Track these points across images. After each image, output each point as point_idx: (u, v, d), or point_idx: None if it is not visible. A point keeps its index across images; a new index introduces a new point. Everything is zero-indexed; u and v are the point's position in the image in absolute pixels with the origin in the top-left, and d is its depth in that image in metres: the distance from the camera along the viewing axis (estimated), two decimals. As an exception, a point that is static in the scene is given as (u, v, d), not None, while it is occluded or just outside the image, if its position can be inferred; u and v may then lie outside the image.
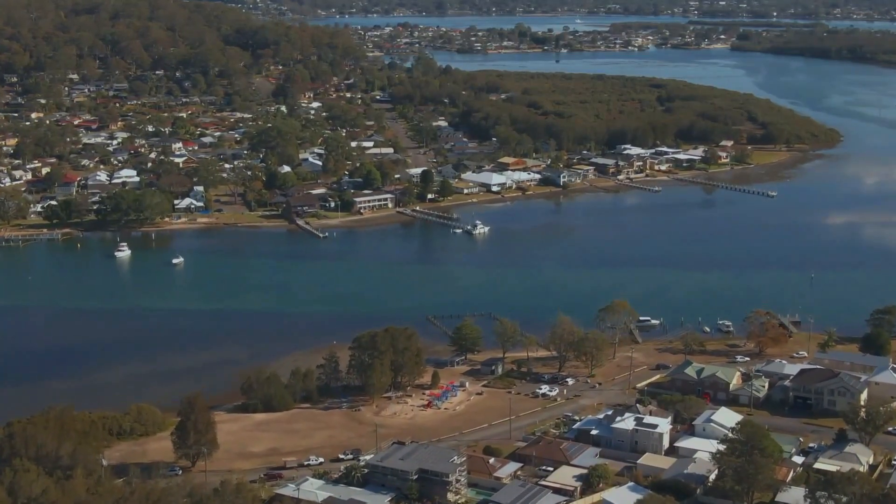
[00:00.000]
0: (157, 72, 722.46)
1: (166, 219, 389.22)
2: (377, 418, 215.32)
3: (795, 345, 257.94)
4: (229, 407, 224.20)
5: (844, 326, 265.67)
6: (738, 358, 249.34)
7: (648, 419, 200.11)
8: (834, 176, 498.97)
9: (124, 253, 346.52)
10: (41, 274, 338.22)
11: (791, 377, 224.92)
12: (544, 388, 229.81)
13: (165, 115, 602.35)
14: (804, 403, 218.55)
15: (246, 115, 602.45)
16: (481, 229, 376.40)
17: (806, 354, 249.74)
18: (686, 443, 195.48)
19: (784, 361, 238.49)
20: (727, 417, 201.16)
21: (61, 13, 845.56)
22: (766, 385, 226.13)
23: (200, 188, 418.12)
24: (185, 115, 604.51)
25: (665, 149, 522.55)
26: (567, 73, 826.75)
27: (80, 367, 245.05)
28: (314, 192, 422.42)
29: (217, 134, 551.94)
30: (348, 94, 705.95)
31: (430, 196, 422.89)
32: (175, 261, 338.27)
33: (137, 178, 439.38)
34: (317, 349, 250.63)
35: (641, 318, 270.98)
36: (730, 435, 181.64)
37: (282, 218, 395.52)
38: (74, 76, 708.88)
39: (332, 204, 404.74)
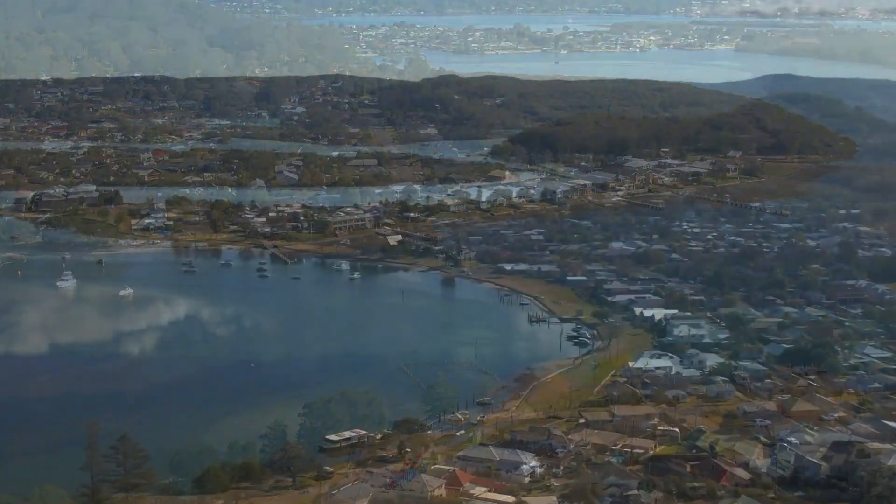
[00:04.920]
0: (135, 74, 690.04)
1: (121, 241, 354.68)
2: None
3: (824, 403, 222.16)
4: (155, 488, 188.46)
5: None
6: (758, 421, 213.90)
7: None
8: (853, 190, 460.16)
9: (68, 283, 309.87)
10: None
11: (823, 450, 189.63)
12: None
13: (140, 120, 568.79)
14: (840, 485, 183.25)
15: (224, 122, 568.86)
16: (467, 255, 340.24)
17: (836, 416, 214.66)
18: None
19: (815, 428, 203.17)
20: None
21: (38, 12, 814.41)
22: (793, 460, 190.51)
23: (162, 206, 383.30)
24: (160, 121, 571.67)
25: (669, 160, 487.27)
26: (566, 76, 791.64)
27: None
28: (286, 209, 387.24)
29: (190, 143, 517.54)
30: (335, 99, 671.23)
31: (412, 215, 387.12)
32: (122, 292, 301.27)
33: (96, 194, 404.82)
34: (269, 406, 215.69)
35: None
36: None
37: (248, 240, 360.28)
38: (47, 79, 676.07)
39: (305, 224, 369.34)
